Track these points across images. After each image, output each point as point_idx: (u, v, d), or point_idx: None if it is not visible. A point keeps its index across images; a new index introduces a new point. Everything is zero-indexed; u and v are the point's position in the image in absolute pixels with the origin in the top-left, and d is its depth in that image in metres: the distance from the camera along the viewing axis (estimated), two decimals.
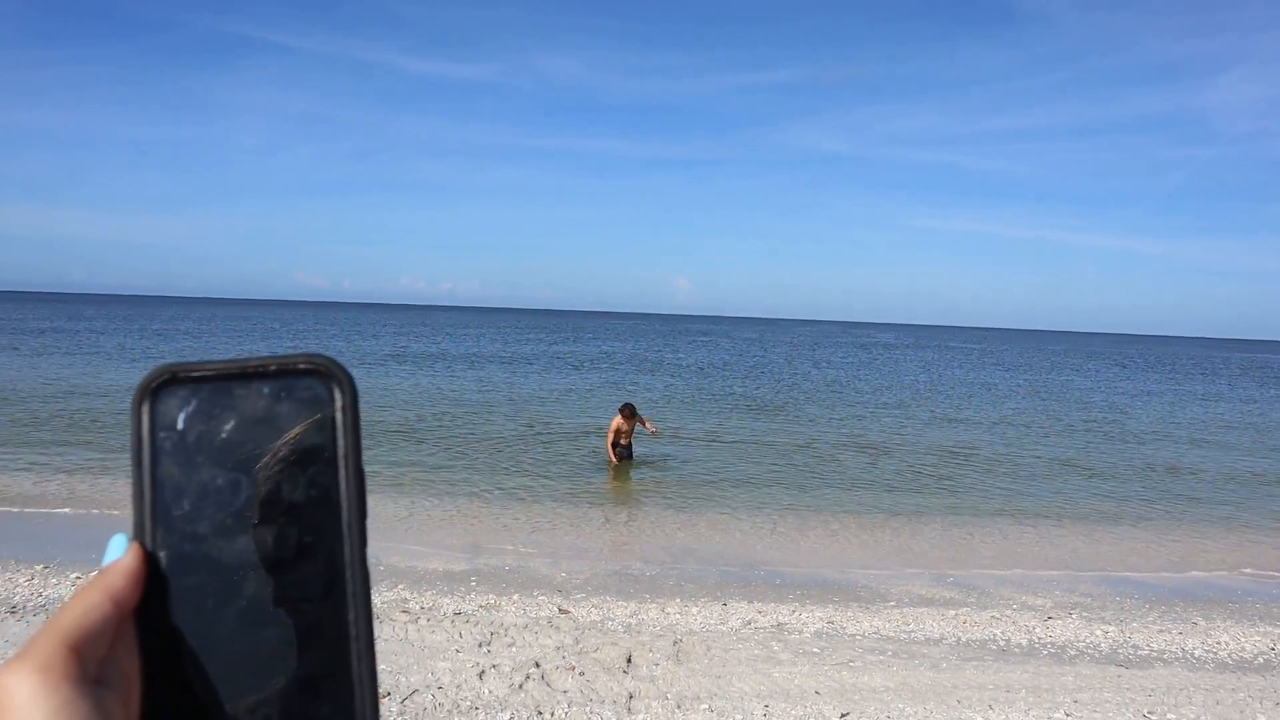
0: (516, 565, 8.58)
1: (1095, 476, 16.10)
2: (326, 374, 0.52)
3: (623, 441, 14.43)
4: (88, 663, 0.45)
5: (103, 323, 67.03)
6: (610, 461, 14.32)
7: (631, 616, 7.02)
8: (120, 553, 0.50)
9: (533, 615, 6.89)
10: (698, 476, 14.09)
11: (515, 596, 7.42)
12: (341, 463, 0.51)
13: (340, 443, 0.51)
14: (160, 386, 0.52)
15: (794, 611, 7.44)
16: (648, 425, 14.54)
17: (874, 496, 13.28)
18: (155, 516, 0.51)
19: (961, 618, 7.57)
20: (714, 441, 17.77)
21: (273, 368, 0.52)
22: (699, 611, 7.28)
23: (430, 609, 6.86)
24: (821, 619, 7.27)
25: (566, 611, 7.05)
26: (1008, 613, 7.85)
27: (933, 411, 25.82)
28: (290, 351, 0.53)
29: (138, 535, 0.51)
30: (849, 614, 7.49)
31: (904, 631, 7.08)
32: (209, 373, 0.52)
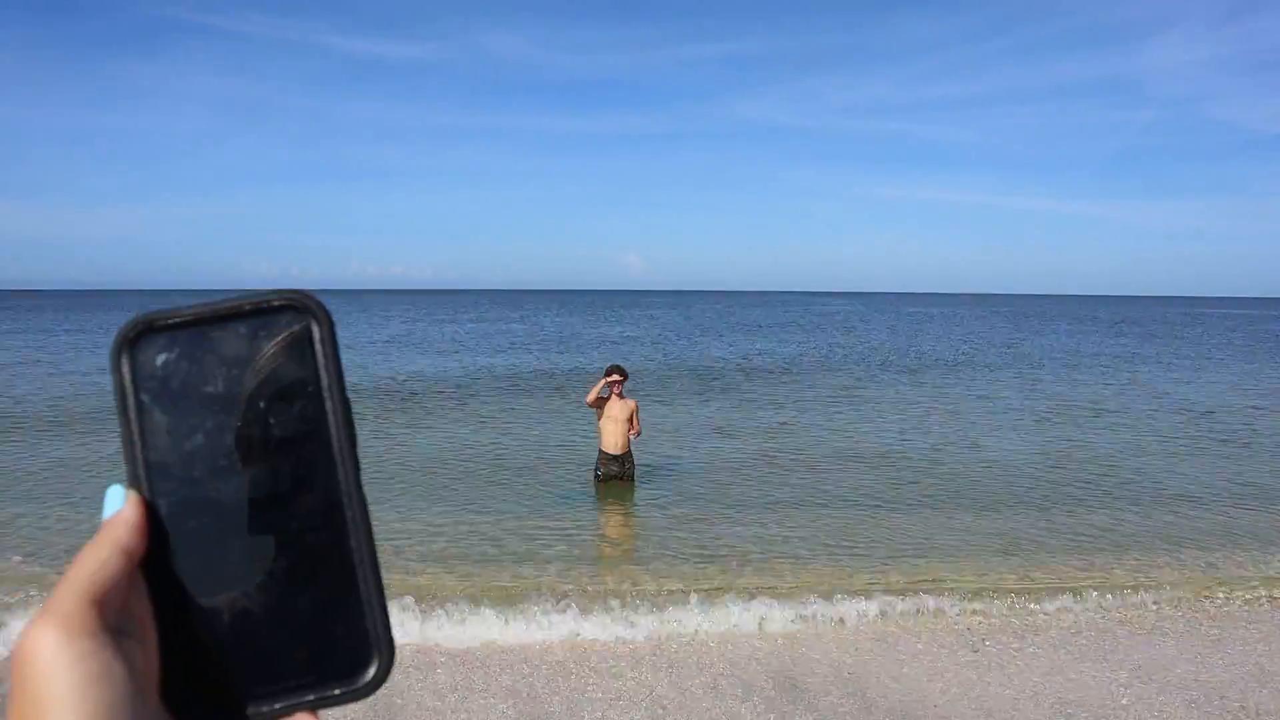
0: None
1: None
2: (302, 308, 0.51)
3: (609, 449, 11.34)
4: (107, 614, 0.45)
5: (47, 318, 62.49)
6: (600, 463, 11.51)
7: None
8: (120, 504, 0.48)
9: None
10: (708, 497, 11.34)
11: None
12: (326, 393, 0.50)
13: (323, 374, 0.50)
14: (138, 337, 0.50)
15: None
16: (634, 424, 11.42)
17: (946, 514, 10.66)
18: (148, 465, 0.49)
19: None
20: (721, 435, 15.09)
21: (248, 307, 0.51)
22: None
23: None
24: None
25: None
26: None
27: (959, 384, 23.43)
28: (264, 289, 0.51)
29: (133, 485, 0.49)
30: None
31: None
32: (185, 318, 0.50)
